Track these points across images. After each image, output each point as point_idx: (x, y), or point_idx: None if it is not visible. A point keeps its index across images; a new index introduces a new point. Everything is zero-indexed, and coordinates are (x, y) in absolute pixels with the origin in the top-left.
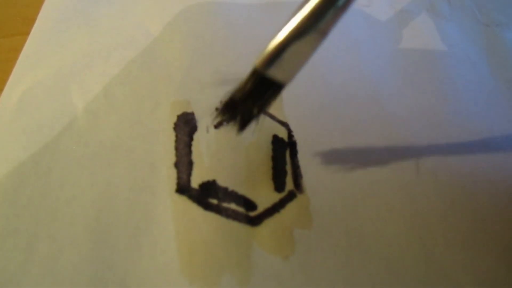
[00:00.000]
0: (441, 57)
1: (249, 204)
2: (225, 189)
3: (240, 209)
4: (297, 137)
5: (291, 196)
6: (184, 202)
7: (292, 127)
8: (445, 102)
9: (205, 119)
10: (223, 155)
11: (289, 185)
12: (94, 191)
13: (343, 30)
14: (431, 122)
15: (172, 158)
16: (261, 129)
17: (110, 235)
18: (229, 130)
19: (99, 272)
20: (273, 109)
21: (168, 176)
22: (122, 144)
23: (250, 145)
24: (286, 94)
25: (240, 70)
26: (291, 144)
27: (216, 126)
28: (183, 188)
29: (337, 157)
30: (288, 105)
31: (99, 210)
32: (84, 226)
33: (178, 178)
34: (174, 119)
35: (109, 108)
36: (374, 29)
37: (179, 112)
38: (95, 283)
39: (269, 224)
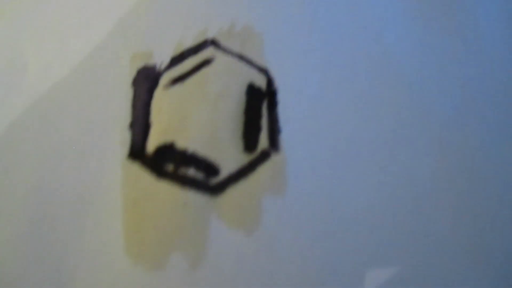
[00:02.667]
0: None
1: (210, 169)
2: (184, 152)
3: (199, 175)
4: (279, 85)
5: (263, 157)
6: (135, 170)
7: (273, 74)
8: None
9: (168, 72)
10: (186, 112)
11: (263, 143)
12: (36, 157)
13: None
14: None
15: (128, 119)
16: (234, 77)
17: (50, 208)
18: (195, 81)
19: (37, 248)
20: (251, 52)
21: (121, 140)
22: (72, 103)
23: (219, 97)
24: (268, 35)
25: (221, 12)
26: (270, 94)
27: (176, 80)
28: (135, 153)
29: (325, 110)
30: (270, 47)
31: (40, 178)
32: (22, 197)
33: (132, 141)
34: (134, 73)
35: (63, 61)
36: None
37: (140, 66)
38: (30, 260)
39: (233, 192)
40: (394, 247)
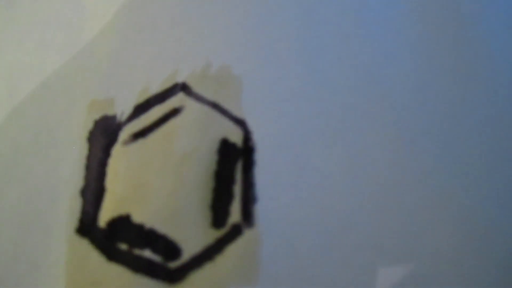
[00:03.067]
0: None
1: (170, 249)
2: (140, 228)
3: (157, 258)
4: (257, 140)
5: (234, 233)
6: (84, 248)
7: (251, 127)
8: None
9: (130, 124)
10: (145, 178)
11: (235, 215)
12: None
13: None
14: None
15: (80, 183)
16: (205, 131)
17: None
18: (159, 137)
19: None
20: (227, 99)
21: (71, 209)
22: (19, 162)
23: (185, 159)
24: (247, 78)
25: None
26: (247, 151)
27: (138, 135)
28: (85, 227)
29: (313, 174)
30: (249, 93)
31: None
32: None
33: (82, 212)
34: (90, 125)
35: (12, 110)
36: None
37: (98, 116)
38: None
39: (196, 280)
40: None
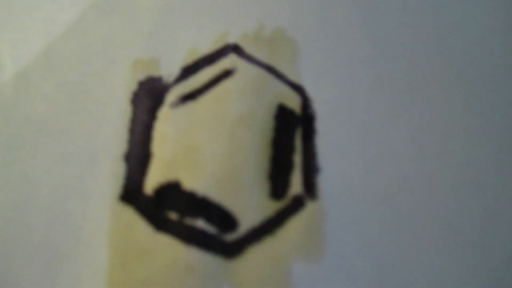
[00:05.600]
0: None
1: (225, 220)
2: (192, 195)
3: (211, 229)
4: (317, 108)
5: (296, 206)
6: (129, 216)
7: (310, 93)
8: None
9: (178, 86)
10: (196, 141)
11: (296, 186)
12: (5, 191)
13: None
14: None
15: (123, 146)
16: (260, 95)
17: (16, 260)
18: (211, 100)
19: None
20: (283, 62)
21: (113, 174)
22: (54, 123)
23: (240, 122)
24: (304, 42)
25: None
26: (307, 119)
27: (187, 97)
28: (130, 193)
29: (378, 142)
30: (307, 58)
31: (7, 221)
32: None
33: (126, 178)
34: (134, 86)
35: (47, 70)
36: None
37: (142, 76)
38: None
39: (254, 254)
40: None
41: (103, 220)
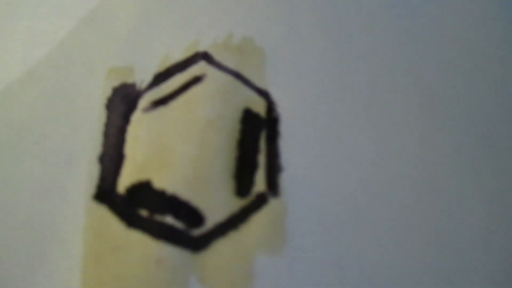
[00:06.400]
0: None
1: (193, 216)
2: (161, 194)
3: (179, 225)
4: (281, 112)
5: (259, 202)
6: (103, 215)
7: (274, 98)
8: None
9: (150, 92)
10: (167, 143)
11: (260, 185)
12: None
13: None
14: None
15: (98, 149)
16: (228, 100)
17: None
18: (181, 104)
19: None
20: (250, 69)
21: (88, 176)
22: (33, 128)
23: (208, 125)
24: (270, 50)
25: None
26: (271, 122)
27: (159, 102)
28: (104, 193)
29: (338, 144)
30: (272, 65)
31: None
32: None
33: (101, 178)
34: (109, 93)
35: (28, 77)
36: None
37: (117, 83)
38: None
39: (219, 248)
40: None
41: (78, 218)
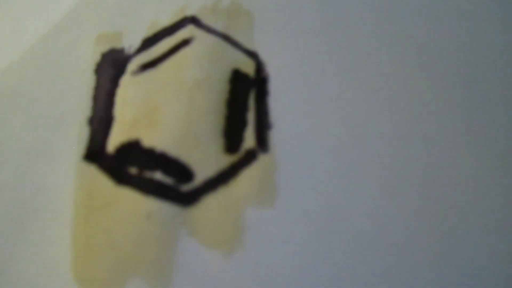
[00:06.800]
0: None
1: (182, 172)
2: (151, 151)
3: (168, 180)
4: (270, 71)
5: (248, 158)
6: (92, 174)
7: (263, 58)
8: None
9: (138, 56)
10: (156, 103)
11: (249, 141)
12: None
13: None
14: None
15: (87, 112)
16: (216, 61)
17: None
18: (170, 66)
19: None
20: (238, 31)
21: (78, 137)
22: (23, 91)
23: (197, 85)
24: (258, 13)
25: None
26: (260, 81)
27: (147, 66)
28: (93, 153)
29: (326, 103)
30: (260, 27)
31: None
32: None
33: (90, 139)
34: (97, 58)
35: (16, 46)
36: None
37: (105, 49)
38: None
39: (209, 202)
40: (401, 266)
41: (68, 178)
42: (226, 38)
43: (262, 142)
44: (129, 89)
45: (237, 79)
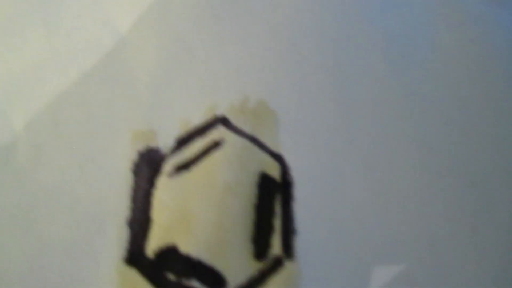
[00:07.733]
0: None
1: (216, 280)
2: (187, 258)
3: None
4: (295, 175)
5: (276, 266)
6: (133, 278)
7: (288, 161)
8: None
9: (173, 156)
10: (190, 208)
11: (276, 248)
12: (23, 254)
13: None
14: None
15: (126, 213)
16: (246, 164)
17: None
18: (202, 170)
19: None
20: (264, 133)
21: (118, 238)
22: (66, 191)
23: (228, 190)
24: (283, 113)
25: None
26: (285, 186)
27: (182, 168)
28: (134, 257)
29: (350, 208)
30: (285, 128)
31: (25, 281)
32: None
33: (130, 242)
34: (134, 156)
35: (57, 139)
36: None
37: (142, 147)
38: None
39: None
40: None
41: (110, 280)
42: (254, 140)
43: (288, 249)
44: (165, 192)
45: (265, 183)
